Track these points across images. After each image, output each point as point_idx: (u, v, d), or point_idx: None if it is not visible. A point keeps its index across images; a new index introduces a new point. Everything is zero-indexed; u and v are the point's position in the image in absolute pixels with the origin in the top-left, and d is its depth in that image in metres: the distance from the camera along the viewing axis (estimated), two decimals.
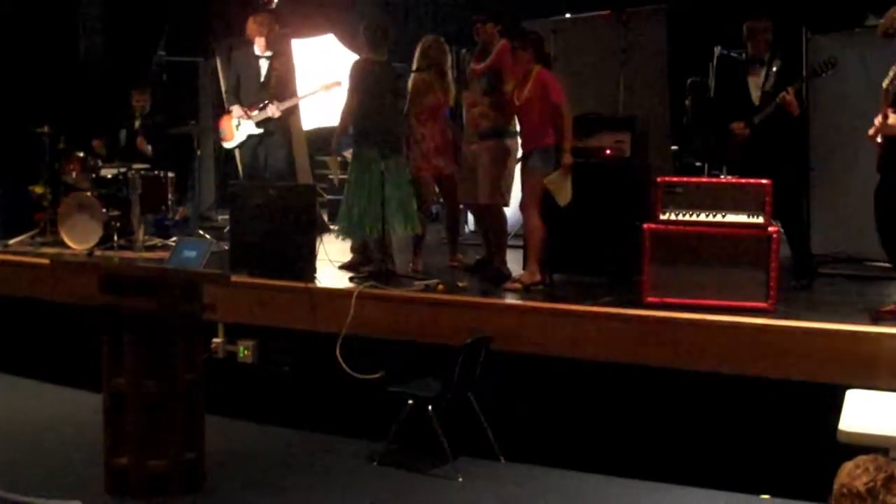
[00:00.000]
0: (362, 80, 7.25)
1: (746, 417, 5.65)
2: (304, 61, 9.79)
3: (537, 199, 6.93)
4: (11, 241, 8.77)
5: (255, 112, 8.61)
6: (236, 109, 8.71)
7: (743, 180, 6.44)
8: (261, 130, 8.64)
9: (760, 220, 6.19)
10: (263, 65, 8.71)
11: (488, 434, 5.94)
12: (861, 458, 2.37)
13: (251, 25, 8.70)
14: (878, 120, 6.04)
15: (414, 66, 7.82)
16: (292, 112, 9.16)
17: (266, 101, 8.60)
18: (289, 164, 9.12)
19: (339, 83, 8.48)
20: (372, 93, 7.23)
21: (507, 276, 7.23)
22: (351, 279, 7.12)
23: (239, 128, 8.71)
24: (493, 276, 7.31)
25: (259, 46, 8.71)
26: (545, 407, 6.12)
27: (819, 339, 5.57)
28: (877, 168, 6.18)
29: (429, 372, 5.94)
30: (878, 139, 6.09)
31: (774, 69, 7.01)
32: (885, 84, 6.07)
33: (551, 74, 7.06)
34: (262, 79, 8.70)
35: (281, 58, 8.83)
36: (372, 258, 7.48)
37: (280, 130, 8.79)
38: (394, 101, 7.41)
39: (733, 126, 6.94)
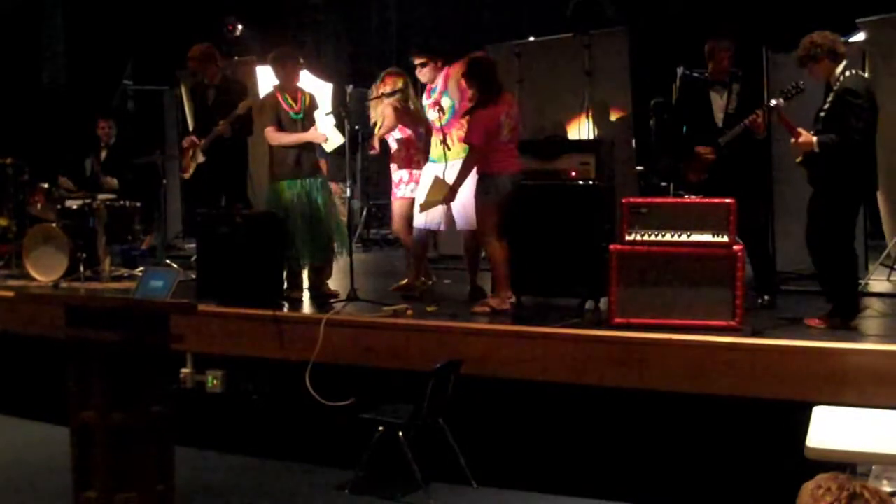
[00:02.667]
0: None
1: (715, 436, 5.68)
2: (269, 86, 9.78)
3: (492, 224, 6.96)
4: None
5: (203, 141, 8.39)
6: (186, 140, 8.60)
7: (707, 200, 6.49)
8: (203, 159, 8.45)
9: (725, 238, 6.24)
10: (212, 94, 8.49)
11: (460, 459, 5.94)
12: (822, 477, 2.35)
13: (192, 61, 8.52)
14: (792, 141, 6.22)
15: (373, 94, 8.03)
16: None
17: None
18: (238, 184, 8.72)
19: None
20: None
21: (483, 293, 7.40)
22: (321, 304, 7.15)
23: (193, 158, 8.54)
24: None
25: (206, 77, 8.53)
26: (516, 431, 6.13)
27: (785, 357, 5.61)
28: (808, 181, 6.34)
29: (399, 398, 5.92)
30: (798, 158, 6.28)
31: (736, 90, 7.10)
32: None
33: (483, 114, 6.99)
34: (211, 106, 8.46)
35: (231, 85, 8.56)
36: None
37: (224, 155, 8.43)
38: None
39: (699, 150, 7.01)
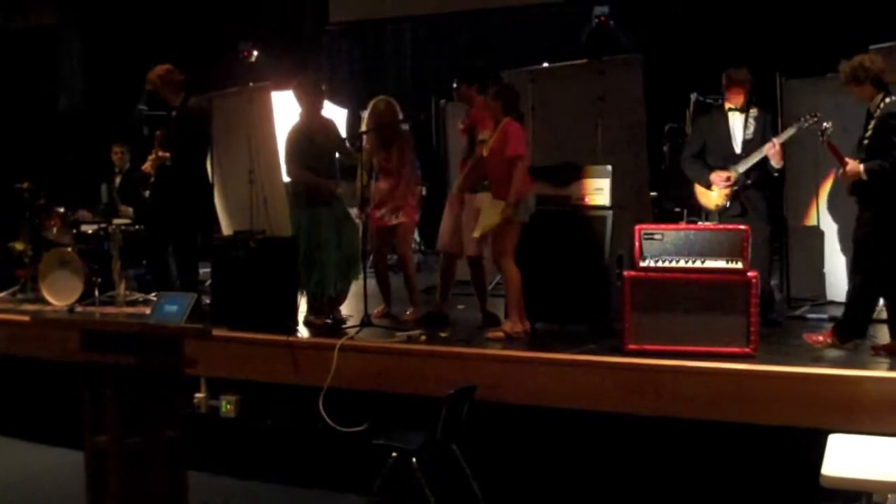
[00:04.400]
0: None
1: (730, 464, 5.65)
2: (284, 112, 9.83)
3: (512, 246, 6.95)
4: None
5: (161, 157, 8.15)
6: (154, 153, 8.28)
7: (722, 226, 6.50)
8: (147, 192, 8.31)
9: (739, 265, 6.23)
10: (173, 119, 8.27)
11: (473, 485, 5.91)
12: None
13: (149, 83, 8.26)
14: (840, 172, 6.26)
15: (363, 127, 8.01)
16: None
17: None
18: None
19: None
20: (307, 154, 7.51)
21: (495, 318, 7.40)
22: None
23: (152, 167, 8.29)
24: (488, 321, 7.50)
25: (165, 101, 8.27)
26: (530, 457, 6.11)
27: (800, 384, 5.59)
28: (860, 210, 6.30)
29: (413, 424, 5.91)
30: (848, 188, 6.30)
31: (753, 115, 7.14)
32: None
33: (518, 127, 6.99)
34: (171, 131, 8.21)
35: (186, 115, 8.23)
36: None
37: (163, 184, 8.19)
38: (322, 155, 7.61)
39: (715, 176, 7.05)
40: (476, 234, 7.24)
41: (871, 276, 6.15)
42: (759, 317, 6.75)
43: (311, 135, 7.56)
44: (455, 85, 7.81)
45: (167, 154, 8.00)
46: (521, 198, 6.88)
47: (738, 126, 7.23)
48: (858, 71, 6.14)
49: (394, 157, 7.93)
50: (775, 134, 7.12)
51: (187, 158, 8.01)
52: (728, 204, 7.20)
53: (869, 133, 6.17)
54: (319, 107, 7.74)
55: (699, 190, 7.36)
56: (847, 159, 6.18)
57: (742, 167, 7.13)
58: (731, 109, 7.28)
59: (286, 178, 9.49)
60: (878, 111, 6.11)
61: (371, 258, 8.39)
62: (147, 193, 8.38)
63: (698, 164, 7.34)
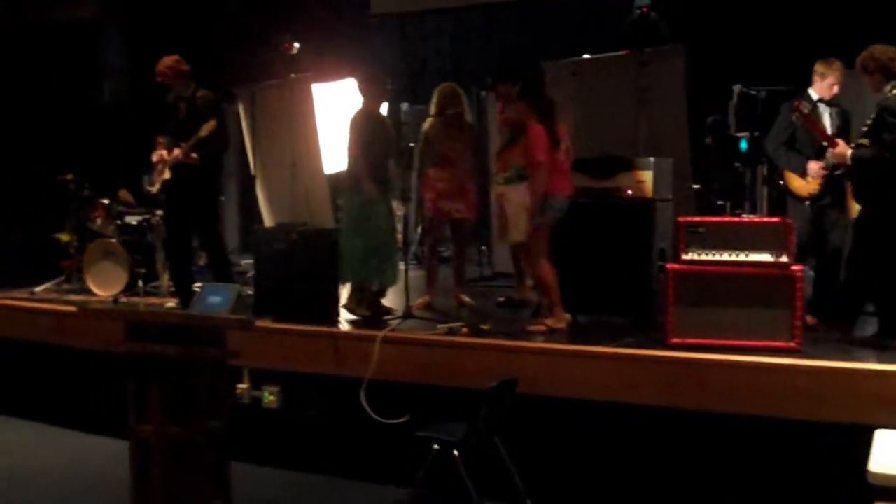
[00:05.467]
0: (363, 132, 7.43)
1: (775, 459, 5.61)
2: (325, 104, 9.87)
3: (545, 245, 6.94)
4: (38, 289, 8.82)
5: (170, 157, 7.90)
6: (156, 155, 8.07)
7: (766, 219, 6.45)
8: (169, 176, 7.95)
9: (784, 258, 6.18)
10: (183, 108, 7.99)
11: (515, 478, 5.91)
12: None
13: (159, 74, 7.97)
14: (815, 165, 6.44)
15: (431, 112, 8.02)
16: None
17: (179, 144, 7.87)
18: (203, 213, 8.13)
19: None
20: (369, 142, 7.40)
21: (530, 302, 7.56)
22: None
23: (161, 173, 8.07)
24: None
25: (176, 90, 8.01)
26: (571, 450, 6.10)
27: (846, 379, 5.53)
28: (854, 197, 6.43)
29: (454, 416, 5.91)
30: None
31: (836, 110, 7.10)
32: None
33: (540, 131, 6.88)
34: (182, 121, 7.94)
35: (201, 101, 8.00)
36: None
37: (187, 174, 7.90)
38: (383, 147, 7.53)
39: (814, 164, 6.98)
40: (513, 241, 7.43)
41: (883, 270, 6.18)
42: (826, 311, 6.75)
43: (378, 119, 7.54)
44: (494, 82, 7.78)
45: (178, 153, 7.78)
46: (545, 199, 6.87)
47: (827, 118, 7.16)
48: (868, 61, 6.20)
49: (458, 147, 7.93)
50: (847, 130, 7.05)
51: (205, 148, 7.87)
52: (821, 192, 7.10)
53: (868, 121, 6.23)
54: (381, 100, 7.72)
55: (791, 177, 7.21)
56: (838, 140, 6.26)
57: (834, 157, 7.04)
58: (820, 101, 7.21)
59: (328, 171, 9.56)
60: (881, 101, 6.15)
61: (415, 248, 8.38)
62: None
63: (792, 151, 7.23)
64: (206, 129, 7.71)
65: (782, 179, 7.29)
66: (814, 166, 7.01)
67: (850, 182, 6.38)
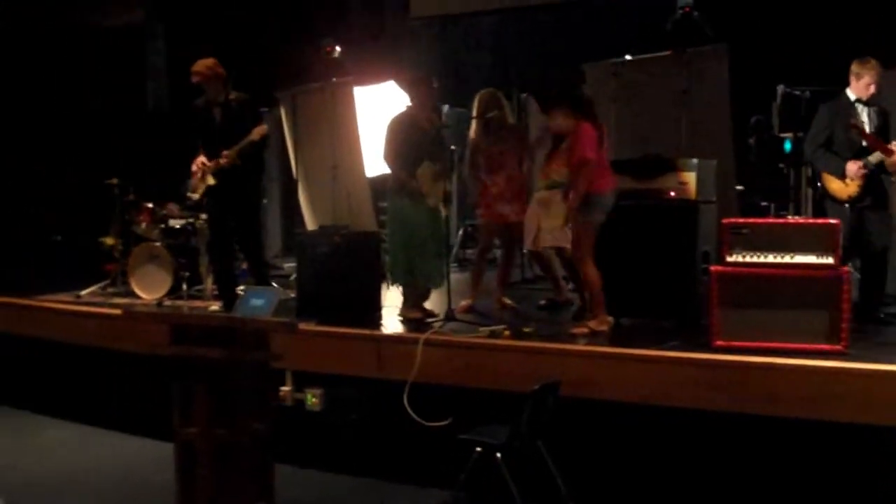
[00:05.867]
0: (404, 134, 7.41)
1: (821, 463, 5.55)
2: (366, 108, 9.89)
3: (590, 244, 6.91)
4: (83, 292, 8.93)
5: (211, 163, 7.95)
6: (196, 161, 8.08)
7: (811, 220, 6.39)
8: (214, 182, 7.96)
9: (830, 260, 6.11)
10: (218, 113, 8.06)
11: (558, 481, 5.89)
12: None
13: (195, 75, 7.98)
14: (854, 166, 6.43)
15: (473, 114, 8.04)
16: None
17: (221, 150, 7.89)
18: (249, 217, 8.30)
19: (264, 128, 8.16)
20: (410, 145, 7.36)
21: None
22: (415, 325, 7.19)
23: (203, 180, 8.06)
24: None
25: (210, 94, 8.02)
26: (615, 453, 6.07)
27: (893, 382, 5.46)
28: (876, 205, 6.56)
29: (497, 419, 5.90)
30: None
31: (875, 110, 7.02)
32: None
33: (590, 129, 6.91)
34: (219, 126, 8.01)
35: (238, 105, 8.07)
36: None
37: (234, 179, 7.95)
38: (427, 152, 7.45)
39: (852, 165, 6.91)
40: (544, 235, 7.42)
41: None
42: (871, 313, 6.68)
43: (418, 122, 7.46)
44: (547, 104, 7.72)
45: (225, 159, 7.83)
46: (587, 200, 6.84)
47: (866, 117, 7.08)
48: None
49: (505, 150, 7.95)
50: (887, 129, 6.97)
51: (253, 151, 7.95)
52: (861, 194, 7.03)
53: None
54: (426, 104, 7.64)
55: (829, 179, 7.15)
56: (892, 147, 6.19)
57: (874, 158, 6.96)
58: (857, 101, 7.13)
59: (369, 174, 9.58)
60: None
61: (456, 250, 8.38)
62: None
63: (829, 153, 7.17)
64: (257, 132, 7.81)
65: (820, 182, 7.22)
66: (852, 167, 6.93)
67: None
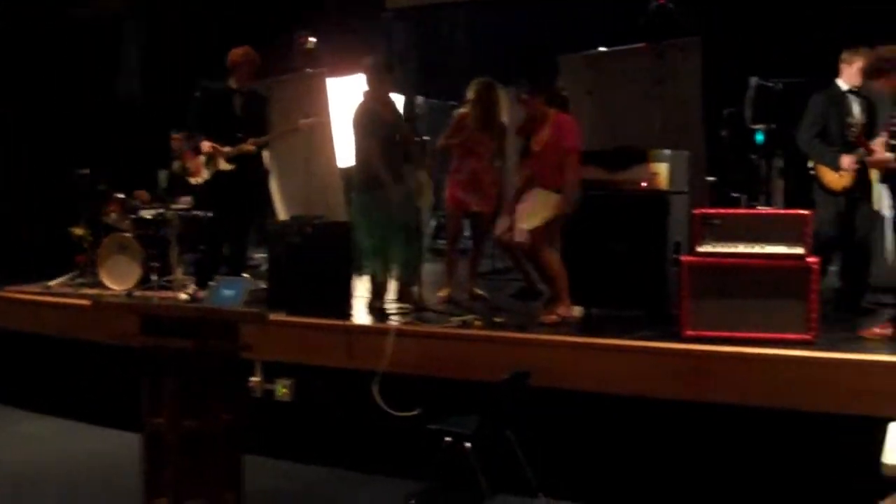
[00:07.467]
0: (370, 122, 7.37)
1: (788, 452, 5.58)
2: (340, 98, 9.87)
3: (551, 238, 6.95)
4: (52, 283, 8.85)
5: (228, 148, 8.11)
6: (205, 144, 8.19)
7: (782, 211, 6.41)
8: (231, 167, 8.15)
9: (800, 250, 6.13)
10: (239, 102, 8.23)
11: (527, 471, 5.90)
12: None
13: (234, 62, 8.20)
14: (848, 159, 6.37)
15: (468, 97, 8.07)
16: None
17: (241, 136, 8.13)
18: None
19: (318, 120, 8.62)
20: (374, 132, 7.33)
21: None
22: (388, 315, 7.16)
23: (211, 165, 8.23)
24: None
25: (235, 80, 8.22)
26: (584, 443, 6.08)
27: (860, 371, 5.50)
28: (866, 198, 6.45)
29: (467, 409, 5.90)
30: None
31: (865, 103, 7.03)
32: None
33: (570, 119, 7.03)
34: (239, 113, 8.21)
35: (258, 97, 8.39)
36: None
37: (253, 167, 8.34)
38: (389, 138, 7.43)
39: (847, 158, 6.92)
40: (527, 226, 7.24)
41: None
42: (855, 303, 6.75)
43: (380, 114, 7.41)
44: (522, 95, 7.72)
45: (248, 147, 8.11)
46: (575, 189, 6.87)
47: (857, 107, 7.09)
48: (881, 63, 6.11)
49: (487, 142, 7.96)
50: (874, 122, 6.98)
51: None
52: (854, 185, 7.04)
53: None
54: (387, 87, 7.58)
55: (822, 171, 7.13)
56: (873, 146, 6.20)
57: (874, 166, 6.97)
58: (849, 91, 7.14)
59: (341, 164, 9.57)
60: None
61: (427, 241, 8.39)
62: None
63: (825, 145, 7.16)
64: (304, 124, 8.44)
65: (814, 172, 7.23)
66: (846, 160, 6.94)
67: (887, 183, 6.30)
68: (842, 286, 7.19)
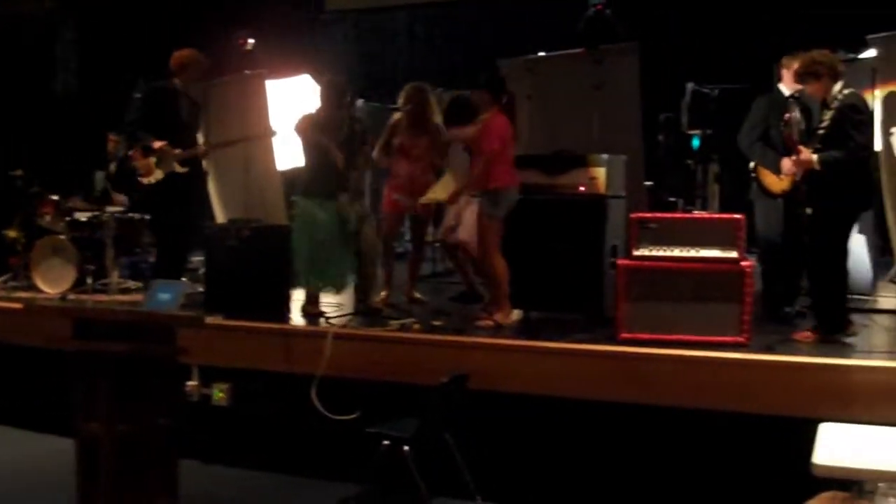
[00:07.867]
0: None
1: (721, 452, 5.65)
2: (280, 101, 9.82)
3: (498, 240, 6.95)
4: None
5: (178, 150, 7.86)
6: (157, 144, 7.84)
7: (716, 215, 6.50)
8: (185, 170, 7.90)
9: (734, 254, 6.22)
10: (185, 104, 8.04)
11: (465, 474, 5.91)
12: (825, 496, 2.34)
13: (177, 63, 7.99)
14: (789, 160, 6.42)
15: (399, 104, 8.08)
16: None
17: (194, 139, 8.09)
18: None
19: (273, 132, 8.62)
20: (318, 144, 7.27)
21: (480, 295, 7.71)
22: (326, 319, 7.13)
23: (164, 165, 7.90)
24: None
25: (181, 82, 7.99)
26: (522, 446, 6.10)
27: (792, 373, 5.60)
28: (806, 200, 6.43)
29: (406, 412, 5.90)
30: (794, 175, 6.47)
31: (803, 106, 7.11)
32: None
33: (500, 121, 6.99)
34: (185, 117, 8.03)
35: (196, 101, 8.21)
36: None
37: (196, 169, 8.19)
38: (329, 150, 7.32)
39: (787, 162, 6.97)
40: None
41: (827, 268, 6.28)
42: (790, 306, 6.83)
43: (325, 125, 7.30)
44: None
45: (202, 151, 8.15)
46: (493, 195, 6.91)
47: (798, 113, 7.15)
48: (813, 66, 6.24)
49: (422, 145, 7.94)
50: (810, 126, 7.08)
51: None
52: (793, 189, 7.11)
53: (826, 123, 6.26)
54: (333, 107, 7.41)
55: (763, 173, 7.18)
56: (801, 147, 6.27)
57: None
58: (791, 97, 7.22)
59: (281, 167, 9.52)
60: (836, 102, 6.20)
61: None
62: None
63: (766, 148, 7.22)
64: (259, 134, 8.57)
65: (755, 174, 7.32)
66: (787, 163, 7.02)
67: (805, 186, 6.39)
68: (779, 289, 7.26)
